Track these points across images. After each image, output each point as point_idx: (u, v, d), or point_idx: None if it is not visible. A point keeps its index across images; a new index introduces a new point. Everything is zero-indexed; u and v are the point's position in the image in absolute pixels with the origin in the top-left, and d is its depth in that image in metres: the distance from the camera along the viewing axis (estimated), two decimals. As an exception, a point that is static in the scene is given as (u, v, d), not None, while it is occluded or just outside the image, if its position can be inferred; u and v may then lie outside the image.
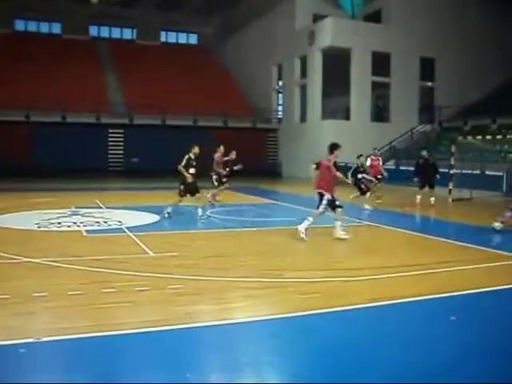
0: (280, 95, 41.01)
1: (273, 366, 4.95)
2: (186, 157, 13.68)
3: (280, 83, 40.31)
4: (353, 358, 5.10)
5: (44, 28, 48.67)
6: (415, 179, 18.11)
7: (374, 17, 35.45)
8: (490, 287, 7.44)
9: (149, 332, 5.58)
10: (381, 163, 19.61)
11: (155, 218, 14.35)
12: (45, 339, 5.26)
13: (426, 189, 17.65)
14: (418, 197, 17.58)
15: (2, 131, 30.89)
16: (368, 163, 18.65)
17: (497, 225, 12.05)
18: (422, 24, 33.68)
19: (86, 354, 5.10)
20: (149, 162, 33.66)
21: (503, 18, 34.98)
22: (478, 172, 22.85)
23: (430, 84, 36.57)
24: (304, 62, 35.80)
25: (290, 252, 10.14)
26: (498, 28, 34.87)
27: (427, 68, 35.61)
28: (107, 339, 5.39)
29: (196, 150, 13.78)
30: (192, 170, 13.65)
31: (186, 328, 5.72)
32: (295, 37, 35.95)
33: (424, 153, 18.41)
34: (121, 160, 36.08)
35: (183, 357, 5.04)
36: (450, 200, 19.49)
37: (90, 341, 5.33)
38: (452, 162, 20.70)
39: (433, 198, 17.38)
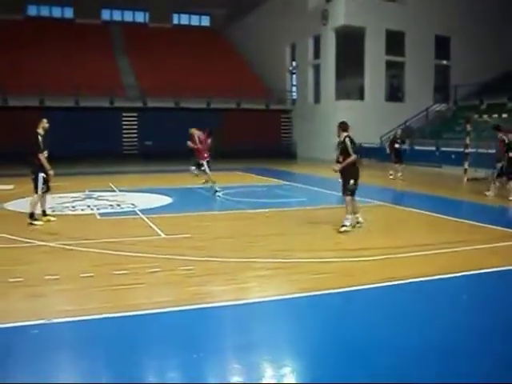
0: (294, 76, 40.71)
1: (286, 346, 4.99)
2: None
3: (293, 64, 40.00)
4: (366, 336, 5.10)
5: (56, 13, 48.55)
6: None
7: (388, -5, 34.95)
8: (501, 267, 7.41)
9: (161, 313, 5.63)
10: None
11: (168, 200, 14.41)
12: (55, 321, 5.33)
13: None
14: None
15: (16, 117, 31.01)
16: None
17: None
18: (436, 2, 33.15)
19: (99, 335, 5.17)
20: (162, 144, 33.69)
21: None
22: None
23: (445, 62, 36.06)
24: (317, 41, 35.44)
25: (301, 232, 10.12)
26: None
27: (442, 46, 35.07)
28: (119, 320, 5.44)
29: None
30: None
31: (199, 308, 5.77)
32: (308, 16, 35.56)
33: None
34: (135, 143, 36.13)
35: (196, 337, 5.08)
36: (466, 179, 19.33)
37: (102, 322, 5.40)
38: (467, 141, 20.47)
39: None
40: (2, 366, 4.49)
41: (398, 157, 20.37)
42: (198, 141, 15.20)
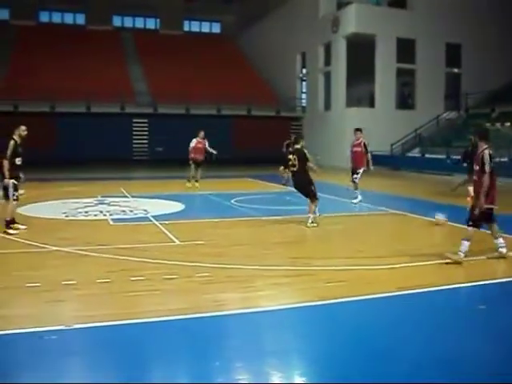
0: (304, 83, 40.74)
1: (299, 355, 4.96)
2: None
3: (304, 71, 40.05)
4: (379, 346, 5.07)
5: (68, 19, 48.94)
6: (464, 164, 16.97)
7: (399, 2, 34.92)
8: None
9: (177, 320, 5.62)
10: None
11: (180, 206, 14.41)
12: (75, 326, 5.33)
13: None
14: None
15: (28, 122, 31.13)
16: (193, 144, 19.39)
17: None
18: (447, 9, 33.05)
19: (116, 341, 5.17)
20: (173, 151, 33.74)
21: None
22: (505, 160, 22.38)
23: (456, 70, 35.98)
24: (328, 49, 35.48)
25: (315, 240, 10.11)
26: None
27: (453, 54, 35.02)
28: (136, 327, 5.44)
29: None
30: None
31: (214, 316, 5.75)
32: (319, 24, 35.62)
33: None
34: (145, 149, 36.26)
35: (211, 345, 5.06)
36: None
37: (119, 328, 5.39)
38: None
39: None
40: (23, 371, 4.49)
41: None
42: None
